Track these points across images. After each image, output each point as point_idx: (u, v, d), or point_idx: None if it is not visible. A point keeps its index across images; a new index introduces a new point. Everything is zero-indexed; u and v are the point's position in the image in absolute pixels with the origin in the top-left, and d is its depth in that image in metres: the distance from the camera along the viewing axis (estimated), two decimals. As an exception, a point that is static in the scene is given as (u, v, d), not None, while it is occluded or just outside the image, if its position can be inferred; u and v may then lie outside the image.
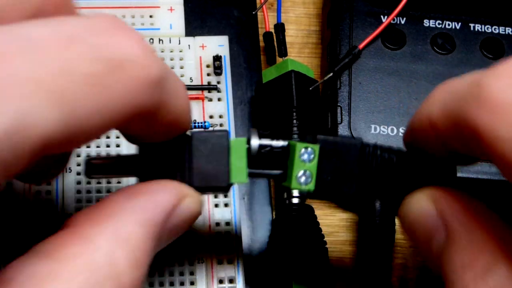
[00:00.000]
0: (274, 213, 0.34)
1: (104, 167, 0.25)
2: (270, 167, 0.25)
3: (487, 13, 0.36)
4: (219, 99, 0.35)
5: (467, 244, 0.20)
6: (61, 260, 0.18)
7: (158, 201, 0.21)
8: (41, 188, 0.32)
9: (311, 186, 0.24)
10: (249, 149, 0.24)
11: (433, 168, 0.24)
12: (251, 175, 0.24)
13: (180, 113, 0.22)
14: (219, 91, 0.36)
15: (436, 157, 0.24)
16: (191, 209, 0.23)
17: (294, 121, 0.33)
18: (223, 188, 0.24)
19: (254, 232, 0.33)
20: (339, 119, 0.34)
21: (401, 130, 0.34)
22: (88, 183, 0.32)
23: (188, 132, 0.24)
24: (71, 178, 0.33)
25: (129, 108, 0.19)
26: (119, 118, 0.19)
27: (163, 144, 0.24)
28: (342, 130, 0.33)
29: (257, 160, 0.25)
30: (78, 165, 0.33)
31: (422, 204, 0.23)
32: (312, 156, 0.24)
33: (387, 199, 0.33)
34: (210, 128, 0.35)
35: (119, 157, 0.26)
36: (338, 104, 0.34)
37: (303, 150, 0.24)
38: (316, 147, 0.24)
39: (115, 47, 0.18)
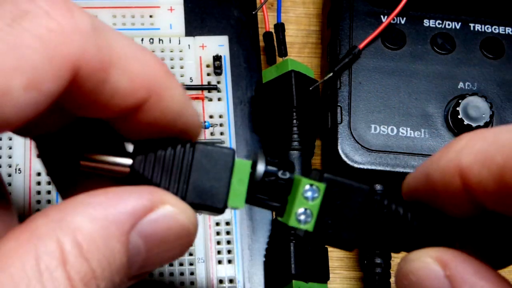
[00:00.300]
0: (274, 213, 0.34)
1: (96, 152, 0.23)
2: (269, 197, 0.23)
3: (487, 13, 0.36)
4: (219, 99, 0.35)
5: None
6: (5, 253, 0.18)
7: (122, 201, 0.20)
8: (41, 188, 0.32)
9: (309, 227, 0.22)
10: (252, 174, 0.23)
11: (446, 228, 0.23)
12: (248, 202, 0.23)
13: (145, 80, 0.20)
14: (219, 91, 0.36)
15: (451, 216, 0.22)
16: (173, 218, 0.21)
17: (294, 121, 0.33)
18: (217, 209, 0.22)
19: (254, 232, 0.33)
20: (339, 119, 0.34)
21: (401, 130, 0.34)
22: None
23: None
24: (71, 178, 0.33)
25: (54, 62, 0.18)
26: (46, 74, 0.18)
27: (160, 145, 0.22)
28: (342, 130, 0.33)
29: (258, 187, 0.23)
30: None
31: (428, 265, 0.21)
32: (316, 195, 0.22)
33: (387, 251, 0.32)
34: (211, 129, 0.35)
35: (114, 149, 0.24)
36: (338, 104, 0.34)
37: (307, 186, 0.22)
38: (322, 186, 0.22)
39: (19, 2, 0.18)
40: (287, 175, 0.23)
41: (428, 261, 0.21)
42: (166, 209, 0.21)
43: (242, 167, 0.22)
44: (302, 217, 0.22)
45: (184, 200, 0.22)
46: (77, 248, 0.18)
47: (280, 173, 0.23)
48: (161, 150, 0.22)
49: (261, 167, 0.23)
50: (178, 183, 0.22)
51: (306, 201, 0.22)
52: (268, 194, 0.23)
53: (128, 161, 0.22)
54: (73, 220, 0.19)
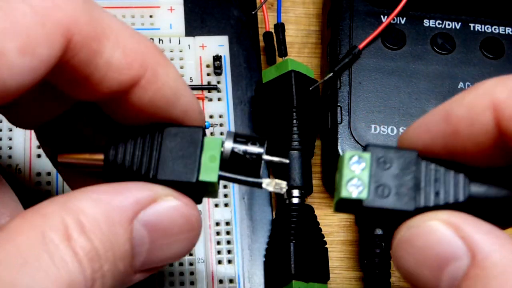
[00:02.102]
0: (274, 213, 0.34)
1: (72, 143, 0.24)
2: (242, 172, 0.23)
3: (487, 13, 0.36)
4: (219, 99, 0.35)
5: (503, 270, 0.18)
6: (12, 228, 0.19)
7: (127, 191, 0.21)
8: (41, 188, 0.32)
9: (363, 195, 0.22)
10: (222, 152, 0.23)
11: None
12: (223, 178, 0.23)
13: (139, 55, 0.21)
14: (219, 91, 0.36)
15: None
16: (176, 210, 0.21)
17: (294, 121, 0.33)
18: (191, 184, 0.22)
19: (254, 232, 0.33)
20: (339, 119, 0.34)
21: (401, 130, 0.34)
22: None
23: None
24: (71, 178, 0.33)
25: (46, 26, 0.18)
26: (40, 38, 0.18)
27: (130, 133, 0.23)
28: (342, 130, 0.33)
29: (229, 164, 0.23)
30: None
31: (438, 228, 0.20)
32: (364, 165, 0.22)
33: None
34: (211, 129, 0.35)
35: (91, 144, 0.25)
36: (338, 104, 0.34)
37: (354, 158, 0.22)
38: (367, 155, 0.22)
39: None
40: (256, 149, 0.23)
41: (436, 224, 0.20)
42: (170, 201, 0.21)
43: (212, 144, 0.23)
44: (354, 188, 0.22)
45: (156, 178, 0.22)
46: (79, 226, 0.19)
47: (249, 147, 0.23)
48: (131, 137, 0.23)
49: (228, 144, 0.23)
50: (149, 163, 0.22)
51: (354, 172, 0.22)
52: (241, 169, 0.23)
53: (100, 155, 0.23)
54: (77, 203, 0.19)
